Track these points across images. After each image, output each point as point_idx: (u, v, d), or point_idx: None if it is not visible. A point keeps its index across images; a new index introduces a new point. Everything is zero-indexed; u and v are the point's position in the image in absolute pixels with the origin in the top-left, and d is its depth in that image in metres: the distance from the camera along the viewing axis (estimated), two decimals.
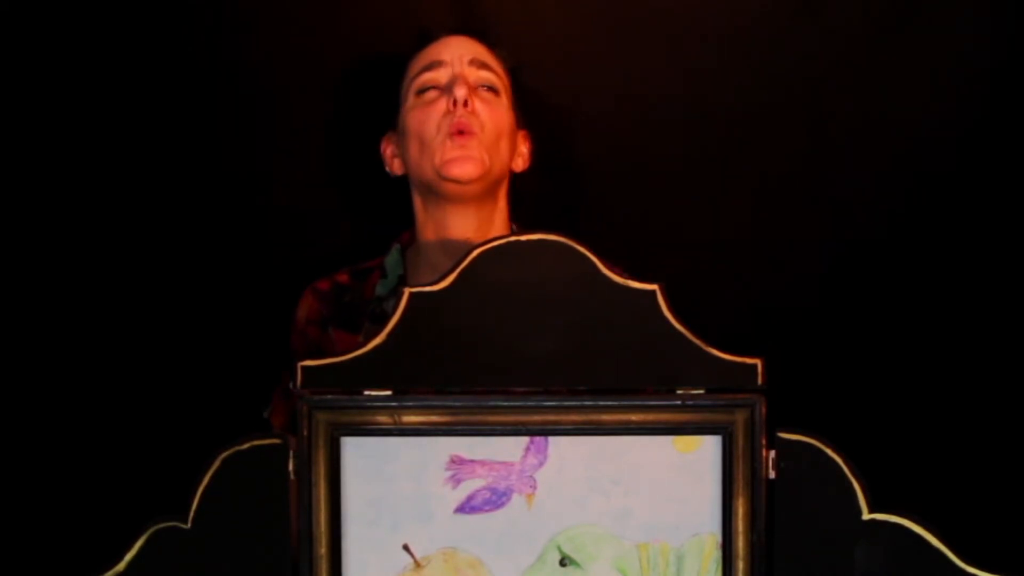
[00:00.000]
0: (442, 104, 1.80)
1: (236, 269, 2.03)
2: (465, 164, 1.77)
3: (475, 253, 1.37)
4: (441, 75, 1.82)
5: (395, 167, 1.89)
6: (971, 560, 1.36)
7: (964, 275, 2.02)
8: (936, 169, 2.03)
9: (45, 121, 1.99)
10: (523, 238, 1.37)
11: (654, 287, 1.36)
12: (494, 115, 1.81)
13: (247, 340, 2.00)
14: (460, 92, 1.78)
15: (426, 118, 1.80)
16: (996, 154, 2.02)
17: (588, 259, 1.37)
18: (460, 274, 1.36)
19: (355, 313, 1.87)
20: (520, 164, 1.89)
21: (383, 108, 1.89)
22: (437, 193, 1.81)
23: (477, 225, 1.82)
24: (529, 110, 1.90)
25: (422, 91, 1.83)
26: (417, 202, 1.86)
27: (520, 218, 1.88)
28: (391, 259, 1.90)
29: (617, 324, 1.36)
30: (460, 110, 1.78)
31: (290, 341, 1.89)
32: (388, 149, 1.90)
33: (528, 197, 1.92)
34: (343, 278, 1.90)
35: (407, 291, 1.36)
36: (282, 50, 2.03)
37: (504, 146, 1.83)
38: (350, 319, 1.87)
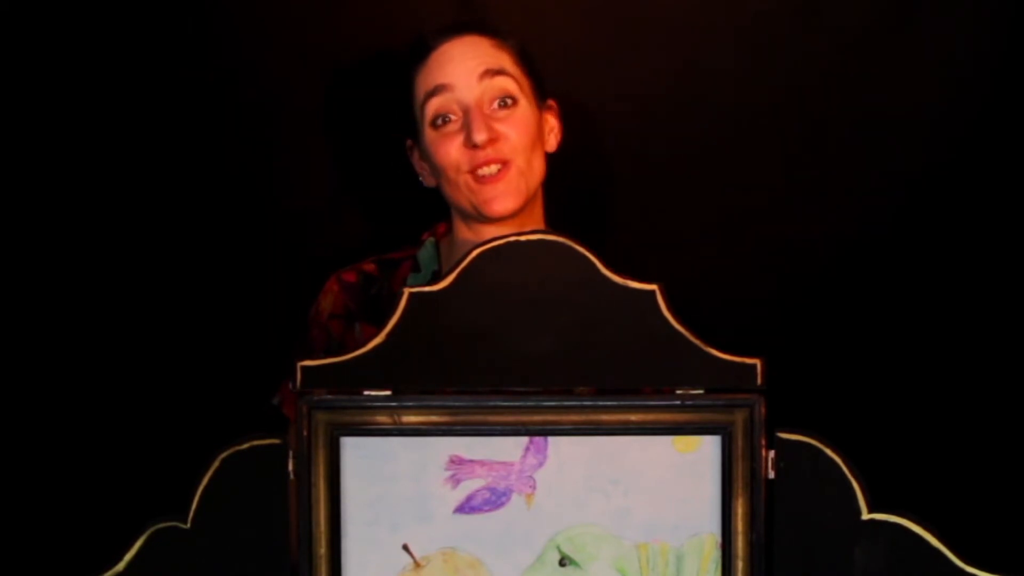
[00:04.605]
0: (462, 137, 1.70)
1: (235, 268, 2.02)
2: (505, 201, 1.71)
3: (475, 253, 1.36)
4: (452, 102, 1.71)
5: (428, 182, 1.81)
6: (971, 560, 1.36)
7: (964, 275, 2.02)
8: (936, 169, 2.03)
9: (46, 121, 1.99)
10: (523, 238, 1.37)
11: (654, 287, 1.36)
12: (520, 130, 1.72)
13: (247, 339, 2.00)
14: (479, 136, 1.68)
15: (448, 153, 1.71)
16: (996, 153, 2.02)
17: (588, 259, 1.36)
18: (460, 274, 1.36)
19: (382, 306, 1.78)
20: (553, 143, 1.80)
21: (384, 105, 1.89)
22: (477, 219, 1.75)
23: (519, 225, 1.72)
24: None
25: (436, 121, 1.72)
26: (453, 207, 1.79)
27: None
28: (425, 253, 1.82)
29: (617, 324, 1.36)
30: (484, 154, 1.69)
31: (308, 334, 1.82)
32: (415, 159, 1.82)
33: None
34: (370, 267, 1.83)
35: (406, 291, 1.36)
36: (283, 47, 2.03)
37: (537, 149, 1.75)
38: (378, 313, 1.78)
